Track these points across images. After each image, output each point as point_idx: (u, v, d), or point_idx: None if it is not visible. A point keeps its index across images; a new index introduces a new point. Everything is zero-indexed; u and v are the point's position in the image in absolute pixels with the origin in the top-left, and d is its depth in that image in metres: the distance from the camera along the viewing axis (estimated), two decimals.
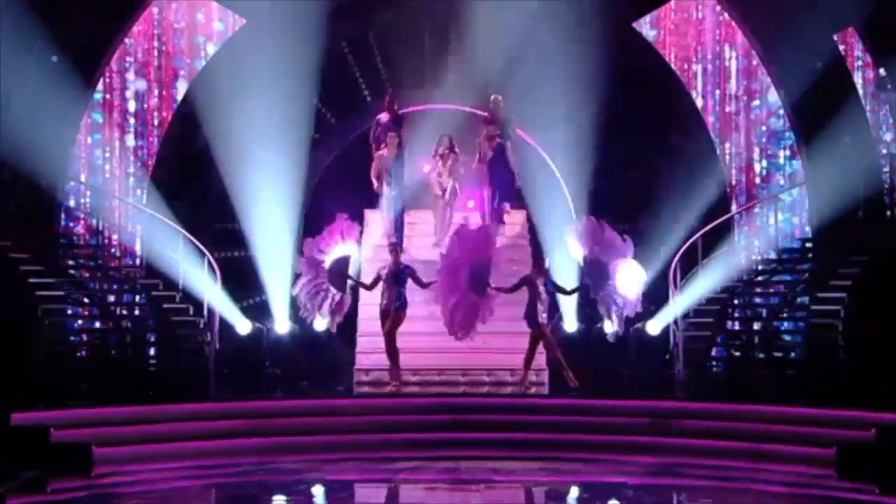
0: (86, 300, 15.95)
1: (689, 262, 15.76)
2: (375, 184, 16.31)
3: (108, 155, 17.20)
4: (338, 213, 14.35)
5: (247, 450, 11.89)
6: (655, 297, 15.43)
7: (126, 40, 16.98)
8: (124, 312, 16.04)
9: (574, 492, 11.05)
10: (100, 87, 16.90)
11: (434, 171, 16.55)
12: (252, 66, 16.84)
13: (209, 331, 15.21)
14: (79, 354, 15.44)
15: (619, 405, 13.07)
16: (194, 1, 17.56)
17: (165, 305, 15.65)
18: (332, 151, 17.87)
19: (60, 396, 13.17)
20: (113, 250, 17.00)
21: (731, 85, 17.76)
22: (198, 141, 17.16)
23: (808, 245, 16.63)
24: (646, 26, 17.98)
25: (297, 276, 14.29)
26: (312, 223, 15.92)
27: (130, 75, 17.37)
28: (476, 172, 16.62)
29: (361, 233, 14.81)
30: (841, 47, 16.79)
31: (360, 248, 15.34)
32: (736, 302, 16.23)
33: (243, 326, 15.68)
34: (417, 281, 14.16)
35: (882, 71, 16.53)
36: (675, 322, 15.34)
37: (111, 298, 16.03)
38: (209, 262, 15.52)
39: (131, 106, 17.43)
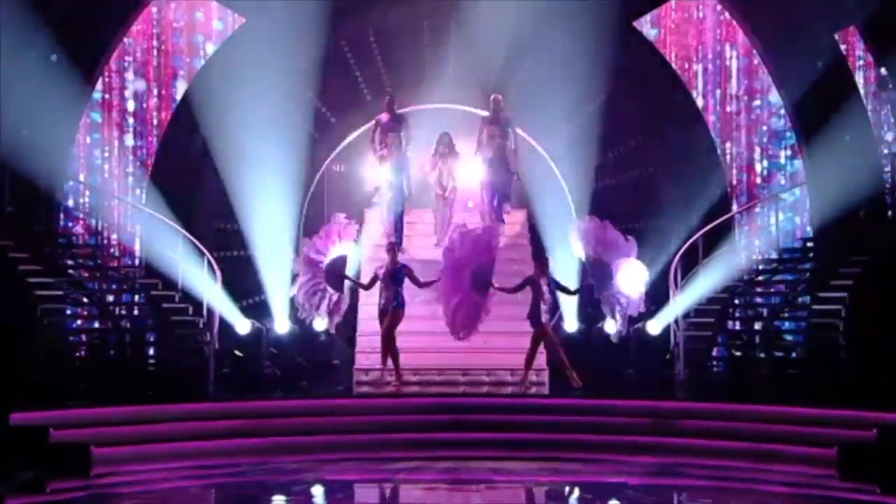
0: (85, 300, 15.92)
1: (690, 262, 15.73)
2: (375, 184, 16.29)
3: (107, 154, 17.17)
4: (334, 213, 14.32)
5: (246, 450, 11.86)
6: (656, 296, 15.39)
7: (125, 39, 16.95)
8: (123, 312, 16.01)
9: (574, 492, 11.02)
10: (99, 86, 16.87)
11: (434, 170, 16.53)
12: (251, 65, 16.81)
13: (208, 331, 15.18)
14: (78, 354, 15.42)
15: (619, 405, 13.04)
16: (193, 0, 17.52)
17: (165, 305, 15.62)
18: (331, 150, 17.83)
19: (59, 396, 13.14)
20: (112, 250, 16.97)
21: (732, 84, 17.73)
22: (197, 140, 17.13)
23: (810, 245, 16.60)
24: (646, 25, 17.95)
25: (294, 277, 14.25)
26: (312, 222, 15.89)
27: (129, 75, 17.34)
28: (476, 172, 16.59)
29: (359, 232, 14.76)
30: (842, 47, 16.76)
31: (360, 248, 15.33)
32: (737, 302, 16.20)
33: (243, 326, 15.65)
34: (414, 280, 14.14)
35: (883, 70, 16.50)
36: (676, 322, 15.31)
37: (110, 298, 16.00)
38: (209, 262, 15.49)
39: (130, 105, 17.40)
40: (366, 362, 15.06)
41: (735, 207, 17.32)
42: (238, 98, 16.70)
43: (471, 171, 16.63)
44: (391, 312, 14.04)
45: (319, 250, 13.93)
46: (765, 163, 17.69)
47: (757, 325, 16.05)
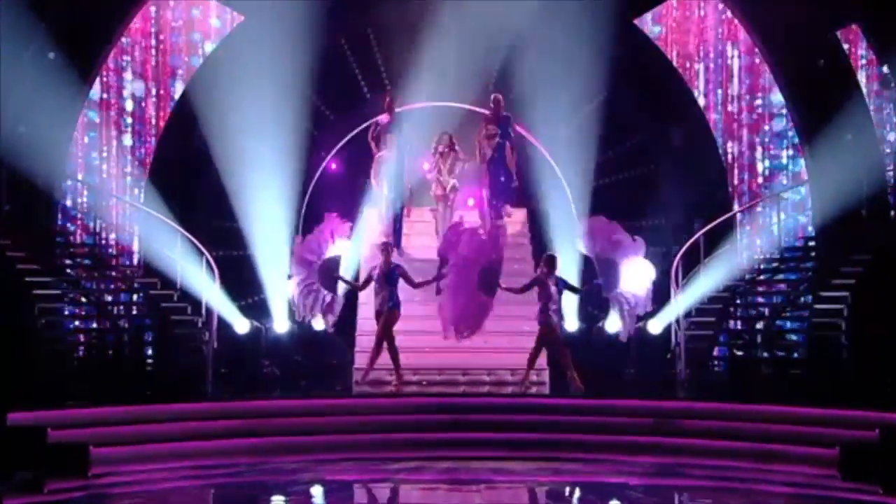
0: (83, 299, 15.88)
1: (692, 261, 15.70)
2: (375, 185, 16.25)
3: (105, 154, 17.13)
4: (327, 212, 14.29)
5: (245, 450, 11.82)
6: (657, 296, 15.32)
7: (123, 38, 16.91)
8: (122, 312, 15.98)
9: (575, 492, 10.98)
10: (97, 85, 16.82)
11: (434, 169, 16.49)
12: (250, 64, 16.77)
13: (207, 330, 15.14)
14: (76, 354, 15.36)
15: (620, 405, 12.99)
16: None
17: (163, 305, 15.58)
18: (330, 149, 17.79)
19: (57, 396, 13.08)
20: (110, 249, 16.94)
21: (734, 83, 17.69)
22: (196, 139, 17.09)
23: (811, 244, 16.56)
24: (648, 23, 17.90)
25: (288, 277, 14.20)
26: (310, 221, 15.85)
27: (128, 74, 17.29)
28: (475, 171, 16.56)
29: (352, 229, 14.70)
30: (844, 45, 16.71)
31: (358, 247, 15.29)
32: (738, 301, 16.17)
33: (242, 325, 15.61)
34: (409, 280, 14.10)
35: (885, 69, 16.45)
36: (677, 321, 15.28)
37: (109, 298, 15.97)
38: (207, 261, 15.45)
39: (129, 105, 17.36)
40: (365, 362, 14.99)
41: (736, 206, 17.28)
42: (237, 96, 16.67)
43: (471, 171, 16.59)
44: (386, 313, 13.99)
45: (313, 250, 13.88)
46: (766, 162, 17.65)
47: (758, 325, 16.01)
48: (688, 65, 17.90)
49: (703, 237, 15.74)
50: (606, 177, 17.65)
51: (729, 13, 17.52)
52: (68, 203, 16.76)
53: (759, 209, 17.39)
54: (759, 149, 17.67)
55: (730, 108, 17.74)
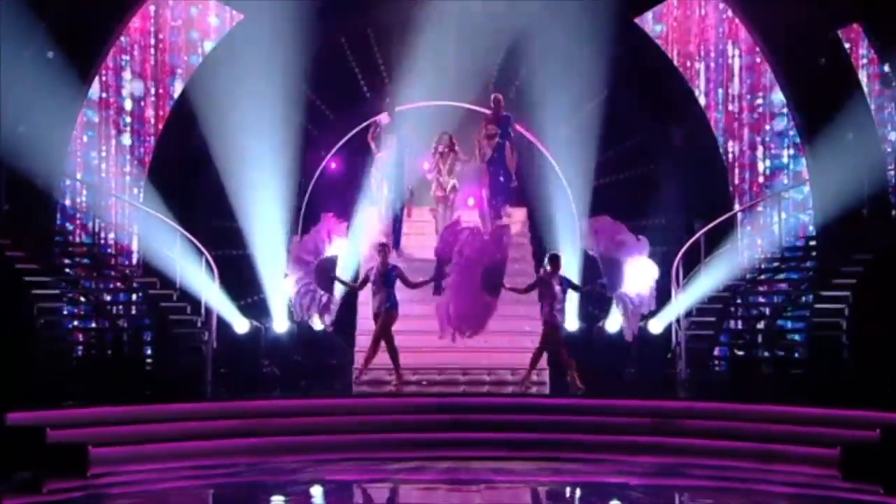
0: (82, 299, 15.85)
1: (692, 261, 15.67)
2: (375, 185, 16.23)
3: (104, 153, 17.10)
4: (324, 213, 14.26)
5: (244, 450, 11.79)
6: (658, 295, 15.29)
7: (122, 37, 16.88)
8: (121, 311, 15.95)
9: (575, 492, 10.96)
10: (96, 84, 16.79)
11: (434, 169, 16.47)
12: (249, 63, 16.75)
13: (207, 330, 15.11)
14: (75, 354, 15.33)
15: (620, 405, 12.98)
16: None
17: (162, 304, 15.57)
18: (330, 148, 17.76)
19: (56, 396, 13.05)
20: (109, 249, 16.91)
21: (735, 83, 17.67)
22: (195, 138, 17.06)
23: (812, 243, 16.54)
24: (649, 22, 17.88)
25: (285, 277, 14.18)
26: (309, 221, 15.82)
27: (127, 73, 17.27)
28: (475, 171, 16.53)
29: (348, 229, 14.66)
30: (846, 45, 16.69)
31: (357, 246, 15.26)
32: (739, 301, 16.14)
33: (241, 325, 15.58)
34: (405, 281, 14.08)
35: (886, 68, 16.43)
36: (678, 321, 15.25)
37: (108, 297, 15.94)
38: (207, 261, 15.43)
39: (128, 104, 17.33)
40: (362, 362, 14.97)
41: (737, 206, 17.26)
42: (236, 95, 16.64)
43: (471, 171, 16.57)
44: (384, 314, 13.97)
45: (310, 250, 13.85)
46: (767, 161, 17.63)
47: (759, 325, 16.00)
48: (688, 64, 17.88)
49: (703, 237, 15.72)
50: (607, 176, 17.62)
51: (730, 12, 17.50)
52: (67, 202, 16.74)
53: (759, 209, 17.36)
54: (760, 148, 17.65)
55: (731, 107, 17.73)
